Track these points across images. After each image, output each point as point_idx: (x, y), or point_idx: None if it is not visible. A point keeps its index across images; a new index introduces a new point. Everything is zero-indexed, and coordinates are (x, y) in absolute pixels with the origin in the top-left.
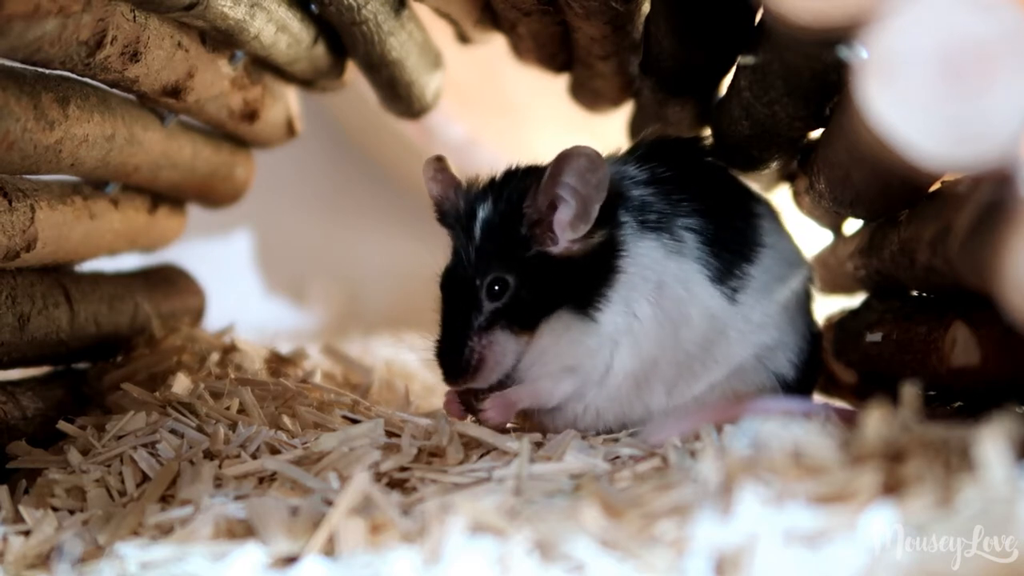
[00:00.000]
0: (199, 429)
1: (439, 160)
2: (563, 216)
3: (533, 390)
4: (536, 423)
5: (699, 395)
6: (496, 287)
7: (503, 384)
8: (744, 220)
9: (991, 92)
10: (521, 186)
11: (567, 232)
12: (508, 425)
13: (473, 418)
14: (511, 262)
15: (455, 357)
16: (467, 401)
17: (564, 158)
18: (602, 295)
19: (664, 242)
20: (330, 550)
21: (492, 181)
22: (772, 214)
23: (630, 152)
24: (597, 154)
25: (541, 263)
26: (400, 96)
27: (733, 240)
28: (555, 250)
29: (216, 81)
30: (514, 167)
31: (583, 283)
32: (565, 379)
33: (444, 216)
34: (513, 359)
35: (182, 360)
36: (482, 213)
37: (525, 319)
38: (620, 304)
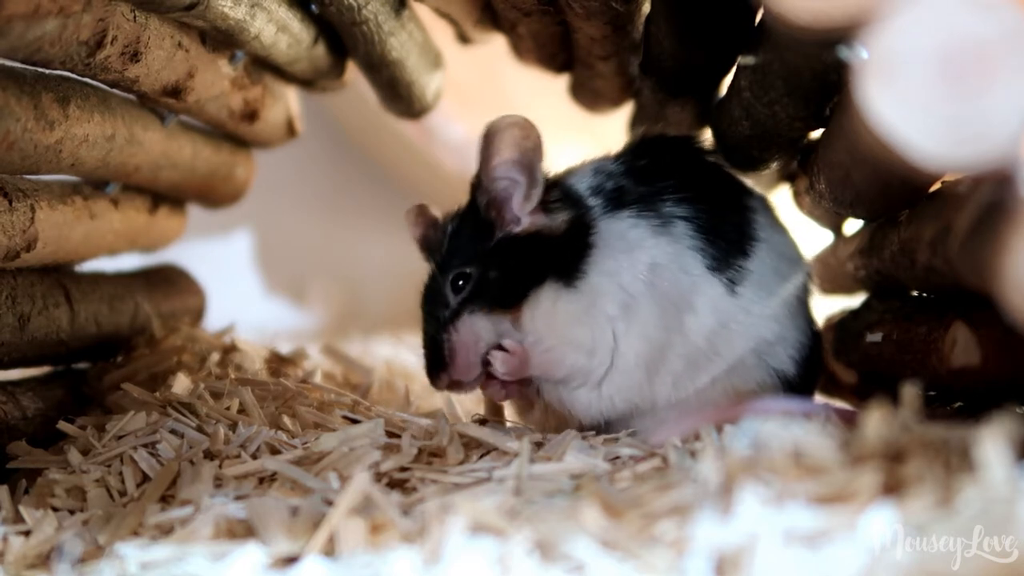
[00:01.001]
0: (199, 429)
1: (419, 207)
2: (514, 191)
3: (542, 358)
4: (554, 412)
5: (701, 388)
6: (460, 281)
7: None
8: (738, 214)
9: (991, 92)
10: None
11: (524, 205)
12: (508, 424)
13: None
14: (472, 255)
15: (433, 356)
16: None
17: (493, 134)
18: (578, 268)
19: (647, 219)
20: (330, 550)
21: (459, 206)
22: (766, 208)
23: (616, 152)
24: (524, 119)
25: (508, 245)
26: (400, 96)
27: (727, 231)
28: (518, 228)
29: (216, 81)
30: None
31: (557, 258)
32: (569, 353)
33: (430, 253)
34: (491, 338)
35: (182, 360)
36: (449, 229)
37: (498, 297)
38: (600, 276)
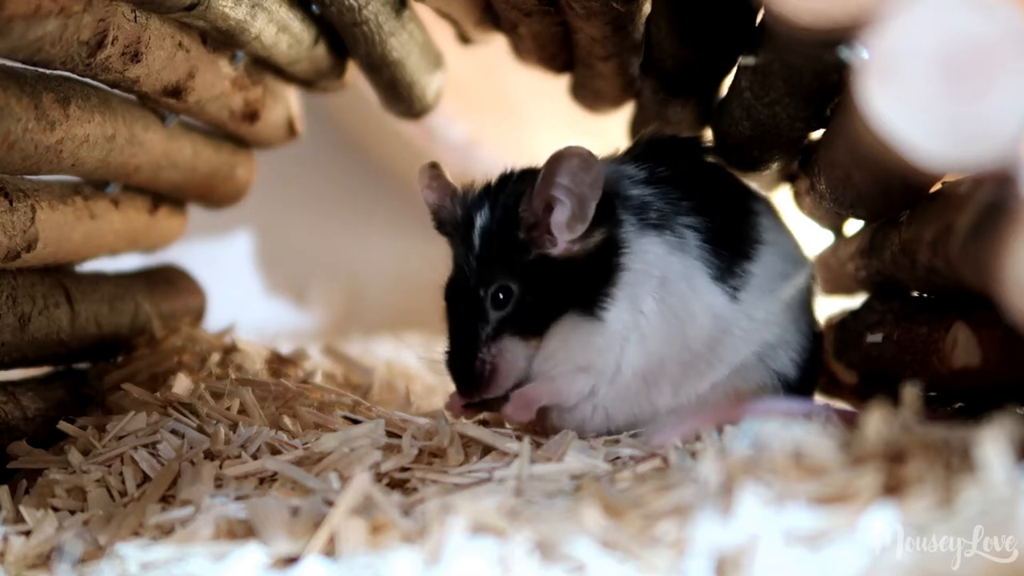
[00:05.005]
0: (200, 429)
1: (433, 167)
2: (559, 217)
3: (552, 388)
4: (546, 425)
5: (702, 394)
6: (500, 295)
7: (514, 389)
8: (743, 217)
9: (991, 92)
10: (517, 190)
11: (565, 233)
12: (508, 425)
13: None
14: (512, 268)
15: (467, 370)
16: (485, 401)
17: (556, 159)
18: (607, 293)
19: (666, 239)
20: (331, 550)
21: (488, 187)
22: (771, 211)
23: (628, 152)
24: (589, 153)
25: (543, 266)
26: (401, 97)
27: (733, 238)
28: (555, 252)
29: (217, 81)
30: (509, 171)
31: (587, 283)
32: (580, 377)
33: (442, 224)
34: (524, 365)
35: (183, 360)
36: (480, 220)
37: (532, 324)
38: (626, 301)
